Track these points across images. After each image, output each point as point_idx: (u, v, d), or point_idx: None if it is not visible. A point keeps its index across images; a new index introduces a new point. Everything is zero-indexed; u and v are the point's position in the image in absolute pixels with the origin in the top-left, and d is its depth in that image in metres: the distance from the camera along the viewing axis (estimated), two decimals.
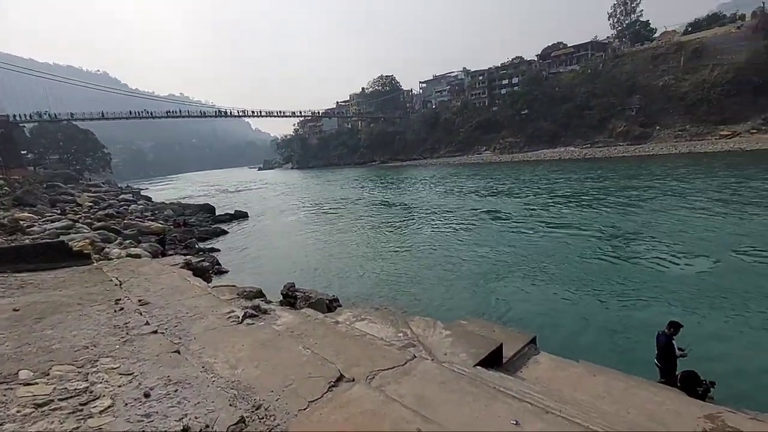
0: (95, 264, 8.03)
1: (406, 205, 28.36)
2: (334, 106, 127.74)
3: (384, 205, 29.74)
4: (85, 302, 5.44)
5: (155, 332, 4.58)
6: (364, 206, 29.78)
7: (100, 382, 3.40)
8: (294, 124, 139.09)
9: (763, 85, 47.84)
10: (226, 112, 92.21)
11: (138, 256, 12.56)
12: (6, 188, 27.76)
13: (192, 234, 21.29)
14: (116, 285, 6.40)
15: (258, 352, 4.16)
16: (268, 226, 24.56)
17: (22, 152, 62.94)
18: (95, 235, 14.91)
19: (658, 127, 56.50)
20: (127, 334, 4.47)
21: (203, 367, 3.87)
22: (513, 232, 17.18)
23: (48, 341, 4.18)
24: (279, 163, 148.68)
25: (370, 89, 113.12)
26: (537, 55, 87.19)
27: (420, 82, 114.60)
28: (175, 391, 3.24)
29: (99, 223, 19.02)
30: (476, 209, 23.25)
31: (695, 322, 7.72)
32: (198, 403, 3.06)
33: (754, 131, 46.90)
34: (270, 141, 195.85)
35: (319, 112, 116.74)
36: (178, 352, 4.08)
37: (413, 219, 22.82)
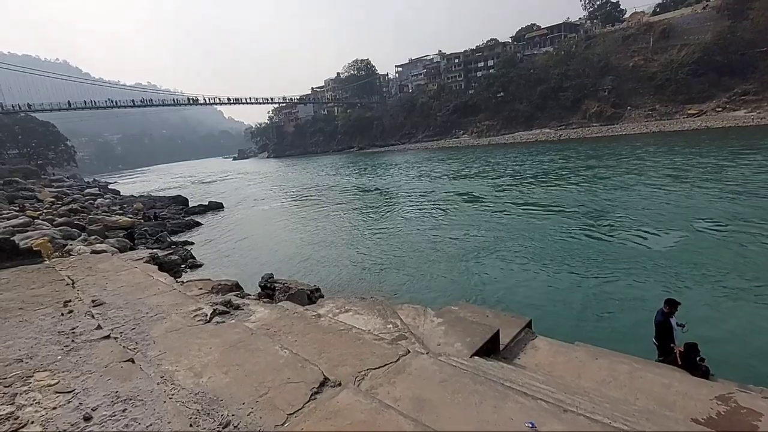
0: (47, 262, 7.21)
1: (384, 190, 27.90)
2: (309, 92, 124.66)
3: (363, 191, 29.19)
4: (28, 306, 4.74)
5: (107, 337, 3.96)
6: (343, 193, 29.15)
7: (30, 404, 2.80)
8: (269, 112, 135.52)
9: (727, 64, 49.18)
10: (196, 100, 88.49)
11: (103, 251, 11.66)
12: None
13: (163, 227, 20.20)
14: (68, 284, 5.67)
15: (228, 356, 3.62)
16: (244, 217, 23.63)
17: None
18: (55, 232, 13.80)
19: (629, 108, 57.56)
20: (73, 341, 3.84)
21: (161, 377, 3.31)
22: (490, 213, 17.08)
23: None
24: (254, 152, 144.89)
25: (346, 74, 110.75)
26: (511, 37, 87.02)
27: (396, 66, 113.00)
28: (123, 411, 2.68)
29: (61, 219, 17.72)
30: (453, 192, 23.04)
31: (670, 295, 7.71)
32: (150, 425, 2.51)
33: (720, 109, 48.33)
34: (244, 130, 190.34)
35: (293, 99, 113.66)
36: (132, 361, 3.49)
37: (392, 204, 22.42)
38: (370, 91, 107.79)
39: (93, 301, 4.93)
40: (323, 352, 3.70)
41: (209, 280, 10.52)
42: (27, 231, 13.49)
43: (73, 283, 5.77)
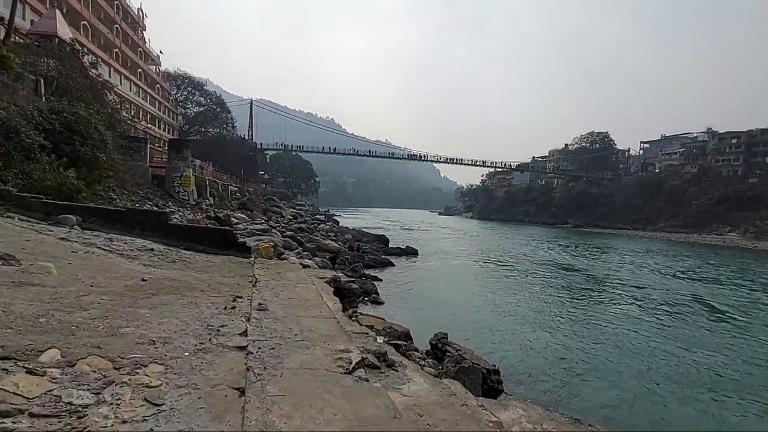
0: (252, 259, 7.96)
1: (598, 276, 22.55)
2: (529, 160, 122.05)
3: (569, 270, 24.51)
4: (208, 290, 4.82)
5: (242, 348, 3.31)
6: (543, 267, 25.24)
7: (110, 404, 2.17)
8: (482, 175, 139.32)
9: None
10: (416, 156, 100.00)
11: (307, 266, 12.90)
12: (238, 195, 35.53)
13: (362, 259, 21.78)
14: (251, 282, 5.78)
15: None
16: (435, 267, 23.26)
17: (260, 172, 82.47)
18: (280, 241, 16.42)
19: None
20: (210, 341, 3.33)
21: (261, 430, 2.28)
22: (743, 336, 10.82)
23: (127, 321, 3.40)
24: (460, 210, 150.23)
25: (576, 145, 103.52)
26: None
27: (642, 142, 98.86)
28: None
29: (289, 232, 21.40)
30: (713, 307, 16.17)
31: None
32: None
33: None
34: (455, 189, 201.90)
35: (511, 164, 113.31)
36: (242, 392, 2.62)
37: (605, 294, 17.66)
38: (603, 166, 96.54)
39: (259, 304, 4.63)
40: None
41: (382, 319, 9.86)
42: (264, 235, 16.48)
43: (255, 282, 5.85)
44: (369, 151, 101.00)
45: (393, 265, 22.42)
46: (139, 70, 46.46)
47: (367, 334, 4.72)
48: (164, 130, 50.98)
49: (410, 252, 27.98)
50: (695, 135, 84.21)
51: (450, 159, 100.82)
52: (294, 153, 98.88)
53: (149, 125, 45.67)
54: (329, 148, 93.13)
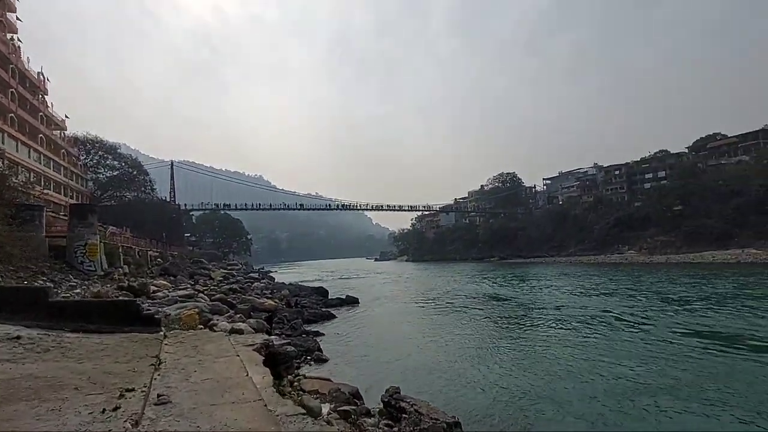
0: (162, 332, 6.56)
1: (526, 304, 23.59)
2: (452, 202, 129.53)
3: (500, 300, 25.43)
4: (87, 386, 3.61)
5: None
6: (477, 301, 25.91)
7: None
8: (412, 219, 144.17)
9: None
10: (347, 206, 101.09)
11: (240, 331, 11.41)
12: (159, 260, 31.98)
13: (301, 314, 20.26)
14: (153, 365, 4.57)
15: None
16: (377, 314, 22.41)
17: (186, 235, 76.69)
18: (206, 306, 14.53)
19: None
20: None
21: None
22: (667, 343, 11.72)
23: None
24: (394, 255, 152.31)
25: (490, 186, 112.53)
26: (687, 147, 77.15)
27: (544, 179, 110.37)
28: None
29: (218, 295, 19.28)
30: (632, 318, 17.50)
31: None
32: None
33: None
34: (388, 234, 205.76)
35: (436, 207, 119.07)
36: None
37: (537, 320, 18.40)
38: (515, 203, 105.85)
39: (158, 396, 3.50)
40: None
41: (328, 380, 8.82)
42: (188, 302, 14.48)
43: (159, 364, 4.62)
44: (298, 204, 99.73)
45: (334, 317, 21.18)
46: (40, 135, 42.27)
47: (304, 415, 3.75)
48: (71, 197, 45.78)
49: (351, 301, 26.88)
50: (586, 170, 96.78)
51: (379, 206, 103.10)
52: (222, 212, 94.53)
53: (52, 192, 40.76)
54: (258, 204, 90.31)
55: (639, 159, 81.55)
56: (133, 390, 3.62)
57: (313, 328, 18.09)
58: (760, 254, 47.62)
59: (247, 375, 4.50)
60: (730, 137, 72.02)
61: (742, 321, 15.41)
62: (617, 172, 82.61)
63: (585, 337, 14.43)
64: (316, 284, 38.26)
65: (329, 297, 28.89)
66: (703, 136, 77.18)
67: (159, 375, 4.35)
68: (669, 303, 20.68)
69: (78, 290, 14.83)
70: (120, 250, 25.56)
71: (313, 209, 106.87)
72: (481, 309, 22.61)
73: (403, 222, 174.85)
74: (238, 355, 5.38)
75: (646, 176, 77.15)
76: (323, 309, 23.30)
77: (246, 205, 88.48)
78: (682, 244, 58.89)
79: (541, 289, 31.32)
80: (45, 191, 39.68)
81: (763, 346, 11.99)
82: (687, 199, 62.50)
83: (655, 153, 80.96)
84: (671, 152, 78.69)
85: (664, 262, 52.91)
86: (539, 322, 17.73)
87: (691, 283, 28.55)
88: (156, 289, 17.36)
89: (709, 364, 10.51)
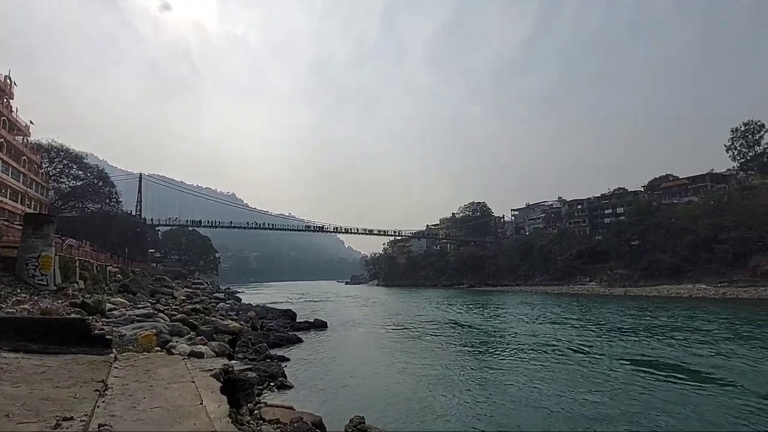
0: (113, 354, 6.40)
1: (493, 331, 24.30)
2: (424, 228, 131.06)
3: (466, 327, 26.08)
4: (19, 414, 3.53)
5: None
6: (446, 328, 26.34)
7: None
8: (384, 244, 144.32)
9: None
10: (319, 227, 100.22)
11: (200, 354, 11.15)
12: (119, 276, 30.62)
13: (266, 338, 19.87)
14: (97, 390, 4.50)
15: None
16: (345, 339, 22.31)
17: (151, 250, 73.43)
18: (167, 326, 14.13)
19: None
20: None
21: None
22: (623, 371, 12.47)
23: None
24: (366, 278, 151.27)
25: (461, 214, 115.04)
26: (643, 186, 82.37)
27: (512, 210, 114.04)
28: None
29: (180, 315, 18.68)
30: (586, 347, 18.39)
31: None
32: None
33: None
34: (360, 258, 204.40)
35: (408, 233, 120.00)
36: None
37: (499, 347, 19.08)
38: (485, 231, 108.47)
39: (99, 426, 3.50)
40: None
41: (290, 408, 8.83)
42: (146, 321, 14.04)
43: (105, 389, 4.59)
44: (269, 224, 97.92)
45: (301, 341, 20.92)
46: (1, 139, 40.08)
47: None
48: (28, 206, 43.22)
49: (319, 325, 26.58)
50: (551, 203, 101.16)
51: (351, 229, 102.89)
52: (190, 228, 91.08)
53: (8, 200, 38.53)
54: (229, 222, 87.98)
55: (600, 195, 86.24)
56: (71, 419, 3.51)
57: (279, 352, 17.80)
58: (709, 290, 50.79)
59: (201, 403, 4.47)
60: (681, 179, 77.69)
61: (684, 352, 16.55)
62: (579, 207, 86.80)
63: (542, 364, 15.12)
64: (285, 306, 37.54)
65: (297, 320, 28.47)
66: (657, 176, 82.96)
67: (103, 402, 4.25)
68: (621, 333, 21.82)
69: (26, 305, 14.11)
70: (77, 264, 24.36)
71: (285, 230, 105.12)
72: (447, 335, 23.05)
73: (376, 246, 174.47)
74: (194, 381, 5.32)
75: (606, 212, 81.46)
76: (290, 332, 22.96)
77: (216, 222, 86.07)
78: (639, 277, 61.92)
79: (505, 317, 32.23)
80: (0, 198, 37.58)
81: (702, 374, 12.98)
82: (643, 235, 66.23)
83: (614, 190, 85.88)
84: (629, 190, 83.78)
85: (623, 295, 55.40)
86: (500, 350, 18.35)
87: (643, 315, 30.14)
88: (113, 306, 16.72)
89: (655, 392, 11.29)
